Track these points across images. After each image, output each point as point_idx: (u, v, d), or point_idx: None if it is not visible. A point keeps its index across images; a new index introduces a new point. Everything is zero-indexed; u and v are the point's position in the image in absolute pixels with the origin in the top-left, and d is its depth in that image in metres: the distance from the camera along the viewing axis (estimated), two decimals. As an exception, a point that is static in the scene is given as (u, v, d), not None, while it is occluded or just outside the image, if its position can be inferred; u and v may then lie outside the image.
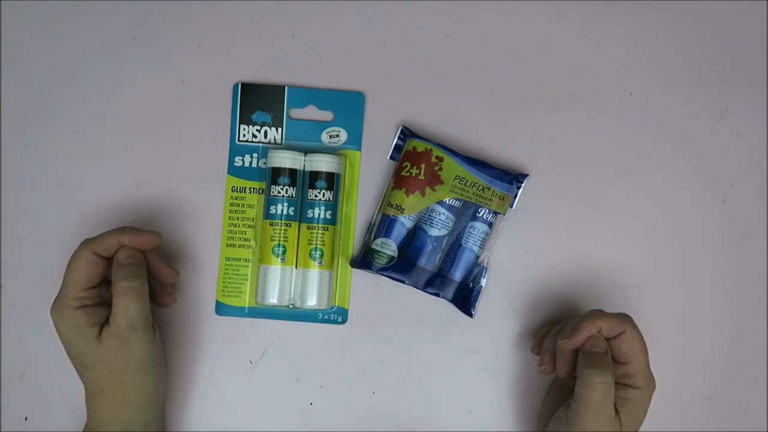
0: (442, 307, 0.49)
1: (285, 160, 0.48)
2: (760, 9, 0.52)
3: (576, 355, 0.43)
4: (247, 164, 0.50)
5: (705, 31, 0.52)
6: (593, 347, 0.42)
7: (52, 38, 0.51)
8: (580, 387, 0.41)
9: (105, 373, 0.42)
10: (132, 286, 0.42)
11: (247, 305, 0.49)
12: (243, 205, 0.50)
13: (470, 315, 0.49)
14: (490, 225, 0.48)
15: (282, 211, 0.47)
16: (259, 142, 0.50)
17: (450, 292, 0.48)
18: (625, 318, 0.42)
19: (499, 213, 0.49)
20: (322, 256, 0.48)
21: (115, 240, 0.43)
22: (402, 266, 0.48)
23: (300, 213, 0.48)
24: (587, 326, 0.42)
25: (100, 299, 0.44)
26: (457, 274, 0.48)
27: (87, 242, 0.43)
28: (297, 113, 0.50)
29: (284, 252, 0.47)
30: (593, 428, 0.40)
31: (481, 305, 0.50)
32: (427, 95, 0.51)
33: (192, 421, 0.49)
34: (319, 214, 0.48)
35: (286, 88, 0.50)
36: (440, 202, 0.48)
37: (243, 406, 0.49)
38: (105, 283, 0.44)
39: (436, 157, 0.48)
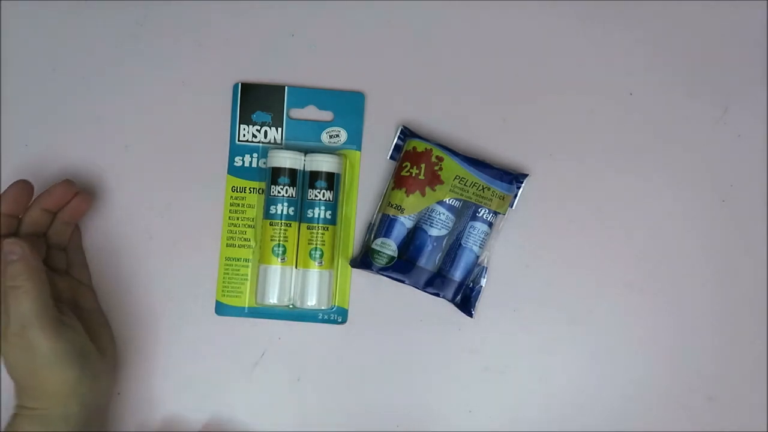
0: (442, 307, 0.49)
1: (285, 160, 0.48)
2: (760, 9, 0.52)
3: None
4: (247, 164, 0.50)
5: (705, 30, 0.52)
6: None
7: (52, 38, 0.51)
8: None
9: (16, 368, 0.41)
10: (16, 285, 0.40)
11: (247, 305, 0.49)
12: (243, 205, 0.50)
13: (470, 315, 0.49)
14: (490, 225, 0.48)
15: (282, 211, 0.47)
16: (259, 142, 0.50)
17: (450, 292, 0.48)
18: None
19: (499, 213, 0.49)
20: (322, 256, 0.48)
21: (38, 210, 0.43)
22: (402, 266, 0.48)
23: (300, 213, 0.48)
24: None
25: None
26: (457, 274, 0.48)
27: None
28: (297, 113, 0.50)
29: (284, 252, 0.47)
30: None
31: (481, 305, 0.50)
32: (427, 95, 0.51)
33: (192, 421, 0.49)
34: (319, 214, 0.48)
35: (286, 88, 0.50)
36: (440, 202, 0.48)
37: (243, 406, 0.49)
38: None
39: (436, 157, 0.48)
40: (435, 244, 0.48)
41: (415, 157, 0.48)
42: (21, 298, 0.40)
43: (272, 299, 0.47)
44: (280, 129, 0.50)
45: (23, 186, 0.44)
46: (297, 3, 0.51)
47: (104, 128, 0.50)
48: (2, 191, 0.44)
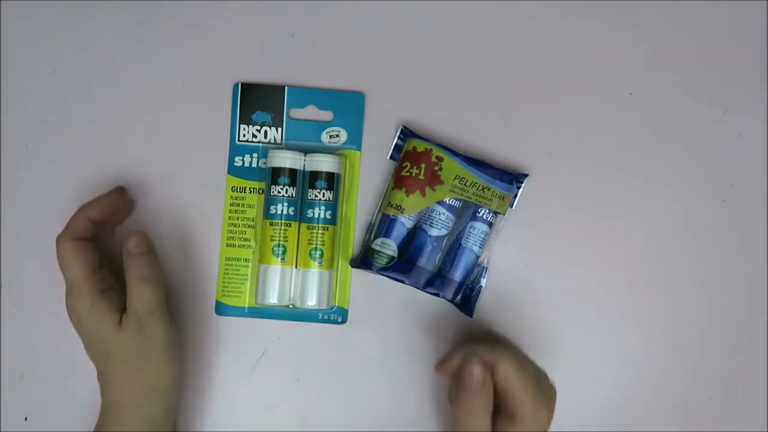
0: (442, 307, 0.49)
1: (285, 160, 0.48)
2: (760, 9, 0.52)
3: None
4: (247, 164, 0.50)
5: (705, 31, 0.52)
6: (468, 376, 0.41)
7: (52, 38, 0.51)
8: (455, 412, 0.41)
9: (129, 358, 0.43)
10: (144, 275, 0.44)
11: (247, 305, 0.49)
12: (243, 205, 0.50)
13: (470, 315, 0.49)
14: (490, 225, 0.48)
15: (282, 211, 0.47)
16: (259, 142, 0.50)
17: (450, 292, 0.48)
18: (499, 349, 0.41)
19: (499, 213, 0.49)
20: (322, 256, 0.48)
21: (84, 219, 0.45)
22: (402, 266, 0.48)
23: (300, 213, 0.48)
24: (458, 356, 0.42)
25: (111, 284, 0.45)
26: (457, 274, 0.48)
27: (61, 235, 0.44)
28: (297, 113, 0.50)
29: (284, 252, 0.47)
30: None
31: (481, 305, 0.50)
32: (427, 95, 0.51)
33: (192, 421, 0.49)
34: (319, 214, 0.48)
35: (286, 88, 0.50)
36: (440, 202, 0.48)
37: (243, 406, 0.49)
38: (105, 265, 0.45)
39: (436, 157, 0.48)
40: (435, 244, 0.48)
41: (415, 157, 0.48)
42: (149, 286, 0.43)
43: (272, 299, 0.47)
44: (280, 129, 0.50)
45: (118, 197, 0.47)
46: (297, 3, 0.51)
47: (104, 128, 0.50)
48: (98, 197, 0.46)
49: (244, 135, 0.50)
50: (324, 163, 0.48)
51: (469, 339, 0.43)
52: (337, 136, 0.50)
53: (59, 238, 0.44)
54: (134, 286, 0.43)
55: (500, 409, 0.41)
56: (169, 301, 0.45)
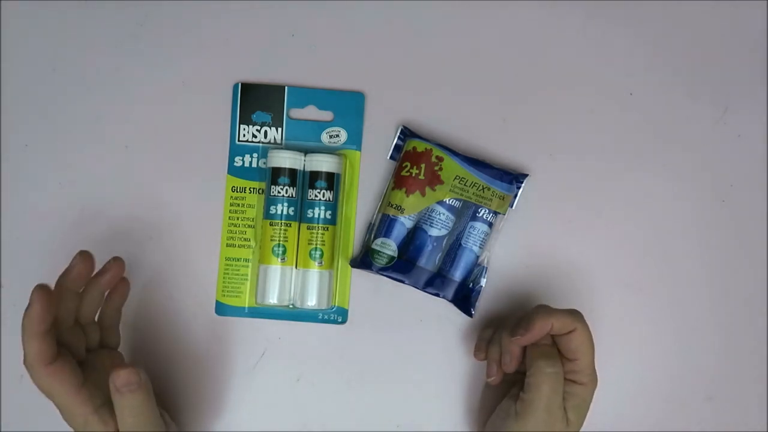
0: (442, 307, 0.49)
1: (285, 160, 0.48)
2: (760, 9, 0.52)
3: (521, 350, 0.44)
4: (247, 164, 0.50)
5: (705, 31, 0.52)
6: (542, 339, 0.43)
7: (52, 38, 0.51)
8: (532, 378, 0.42)
9: None
10: (136, 414, 0.41)
11: (247, 305, 0.49)
12: (243, 205, 0.50)
13: (470, 315, 0.49)
14: (490, 225, 0.48)
15: (282, 211, 0.47)
16: (259, 142, 0.50)
17: (450, 292, 0.48)
18: (576, 316, 0.43)
19: (499, 213, 0.49)
20: (322, 256, 0.48)
21: (44, 340, 0.40)
22: (402, 266, 0.48)
23: (300, 213, 0.48)
24: (541, 324, 0.42)
25: (103, 399, 0.41)
26: (457, 274, 0.48)
27: (29, 363, 0.40)
28: (297, 113, 0.50)
29: (284, 252, 0.47)
30: (545, 418, 0.42)
31: (481, 305, 0.50)
32: (427, 95, 0.51)
33: (192, 421, 0.49)
34: (319, 214, 0.48)
35: (286, 88, 0.50)
36: (440, 202, 0.48)
37: (243, 406, 0.49)
38: (91, 373, 0.42)
39: (436, 157, 0.48)
40: (435, 244, 0.48)
41: (415, 157, 0.48)
42: (140, 419, 0.41)
43: (272, 299, 0.47)
44: (280, 129, 0.50)
45: (87, 258, 0.42)
46: (297, 3, 0.51)
47: (104, 128, 0.50)
48: (68, 264, 0.42)
49: (244, 135, 0.50)
50: (324, 163, 0.48)
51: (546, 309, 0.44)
52: (337, 136, 0.50)
53: (29, 367, 0.40)
54: (123, 421, 0.40)
55: (565, 373, 0.43)
56: (165, 415, 0.44)
